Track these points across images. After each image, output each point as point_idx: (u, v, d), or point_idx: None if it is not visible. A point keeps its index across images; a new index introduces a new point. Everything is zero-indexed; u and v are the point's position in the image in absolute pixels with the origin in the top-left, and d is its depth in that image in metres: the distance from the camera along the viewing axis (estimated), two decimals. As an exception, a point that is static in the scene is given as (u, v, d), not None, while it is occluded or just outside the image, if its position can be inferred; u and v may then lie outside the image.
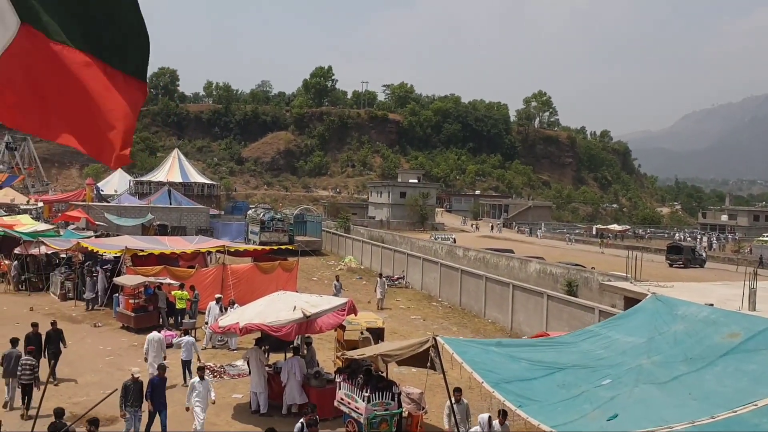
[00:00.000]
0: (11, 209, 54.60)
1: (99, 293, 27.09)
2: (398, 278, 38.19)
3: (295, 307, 15.37)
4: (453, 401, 12.24)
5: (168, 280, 24.88)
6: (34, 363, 15.22)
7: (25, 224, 36.95)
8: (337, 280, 30.26)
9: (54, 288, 29.85)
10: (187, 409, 14.02)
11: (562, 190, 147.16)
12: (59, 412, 11.64)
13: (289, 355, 16.52)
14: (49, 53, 4.27)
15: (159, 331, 18.48)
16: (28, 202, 62.55)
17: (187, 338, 18.18)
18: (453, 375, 11.31)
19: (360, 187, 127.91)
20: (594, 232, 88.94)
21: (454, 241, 56.39)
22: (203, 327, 22.90)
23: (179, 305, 23.62)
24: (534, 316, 25.86)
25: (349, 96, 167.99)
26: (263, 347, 16.66)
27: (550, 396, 9.82)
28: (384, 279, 32.05)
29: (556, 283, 32.37)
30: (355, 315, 17.12)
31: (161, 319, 23.22)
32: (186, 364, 17.44)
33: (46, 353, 17.04)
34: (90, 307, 26.83)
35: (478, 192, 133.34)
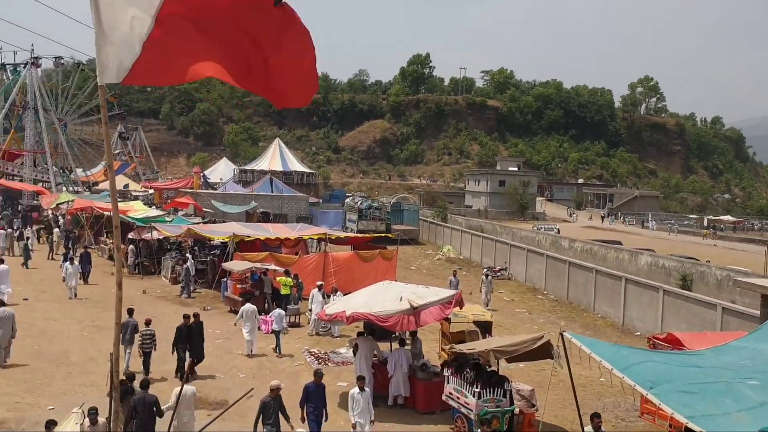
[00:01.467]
0: (124, 195, 57.44)
1: (187, 280, 27.22)
2: (500, 270, 37.21)
3: (401, 298, 15.02)
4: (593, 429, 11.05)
5: (273, 267, 25.23)
6: (153, 332, 16.43)
7: (137, 210, 38.55)
8: (455, 276, 27.96)
9: (165, 272, 30.95)
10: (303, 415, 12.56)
11: (670, 180, 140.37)
12: (131, 377, 12.10)
13: (395, 345, 16.19)
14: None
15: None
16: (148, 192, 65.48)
17: (277, 311, 20.09)
18: (567, 373, 10.67)
19: (456, 176, 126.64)
20: (705, 224, 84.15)
21: (558, 232, 54.65)
22: (306, 313, 23.05)
23: (284, 291, 23.90)
24: (648, 311, 24.45)
25: (447, 83, 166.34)
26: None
27: (685, 376, 8.92)
28: (490, 278, 28.65)
29: (669, 277, 30.67)
30: (461, 308, 16.54)
31: (266, 305, 23.51)
32: (276, 334, 19.49)
33: (188, 349, 16.36)
34: (182, 293, 27.12)
35: (580, 181, 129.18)
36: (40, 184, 59.63)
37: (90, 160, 76.72)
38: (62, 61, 69.36)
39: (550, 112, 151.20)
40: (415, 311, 14.69)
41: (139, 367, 16.17)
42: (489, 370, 13.83)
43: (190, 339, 16.41)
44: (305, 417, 12.27)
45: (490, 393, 13.18)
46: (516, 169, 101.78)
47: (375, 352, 15.82)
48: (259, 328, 20.15)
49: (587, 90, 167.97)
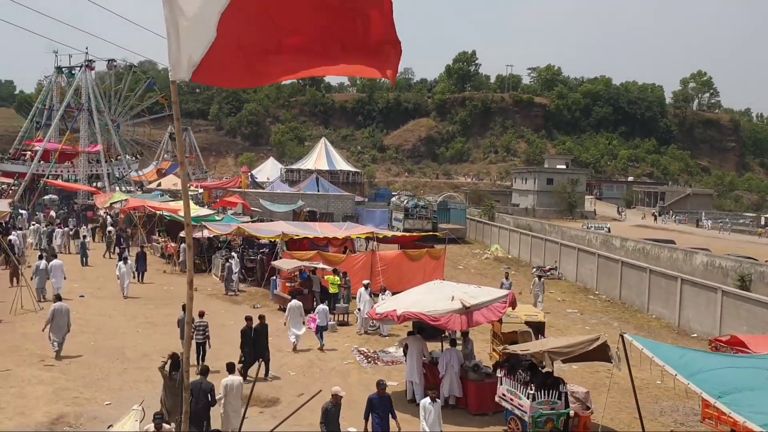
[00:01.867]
0: (175, 195, 58.42)
1: (230, 278, 27.45)
2: (550, 269, 36.59)
3: (453, 297, 14.84)
4: None
5: (321, 265, 25.29)
6: (206, 323, 16.74)
7: (188, 209, 39.12)
8: (506, 278, 26.95)
9: (215, 270, 31.35)
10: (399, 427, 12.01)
11: (724, 177, 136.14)
12: (176, 357, 12.15)
13: (446, 345, 16.01)
14: None
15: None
16: (191, 187, 66.65)
17: (321, 306, 20.56)
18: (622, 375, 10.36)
19: (503, 174, 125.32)
20: (762, 222, 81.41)
21: (609, 231, 53.55)
22: (355, 312, 23.04)
23: (332, 290, 23.95)
24: (706, 313, 23.70)
25: (493, 80, 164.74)
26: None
27: (755, 381, 8.47)
28: (542, 280, 27.51)
29: (726, 277, 29.72)
30: (513, 308, 16.26)
31: (315, 303, 23.56)
32: (320, 329, 19.83)
33: (254, 352, 16.07)
34: (226, 291, 27.42)
35: (630, 179, 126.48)
36: (94, 183, 61.19)
37: (142, 160, 78.41)
38: (115, 64, 71.00)
39: (598, 109, 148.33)
40: (467, 311, 14.48)
41: (193, 359, 16.37)
42: (544, 371, 13.54)
43: (255, 341, 16.25)
44: (368, 429, 11.92)
45: (544, 395, 12.91)
46: (564, 166, 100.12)
47: (425, 352, 15.67)
48: (304, 323, 20.19)
49: (637, 86, 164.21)
